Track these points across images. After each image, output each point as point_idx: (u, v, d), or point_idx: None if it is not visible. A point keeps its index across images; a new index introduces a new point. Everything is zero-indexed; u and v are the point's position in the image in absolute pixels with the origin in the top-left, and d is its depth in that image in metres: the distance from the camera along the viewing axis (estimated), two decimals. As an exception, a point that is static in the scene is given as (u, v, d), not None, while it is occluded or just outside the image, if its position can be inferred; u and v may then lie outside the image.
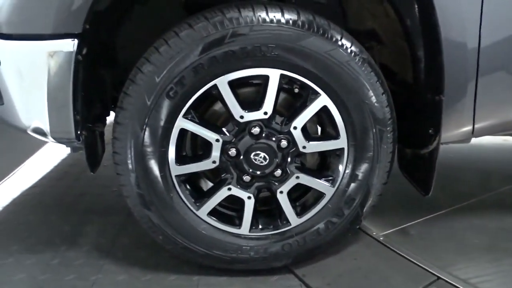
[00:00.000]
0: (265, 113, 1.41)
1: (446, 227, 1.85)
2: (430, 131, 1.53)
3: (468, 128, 1.54)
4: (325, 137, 1.51)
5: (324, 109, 1.43)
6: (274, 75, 1.37)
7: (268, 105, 1.40)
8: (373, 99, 1.43)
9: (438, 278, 1.52)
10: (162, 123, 1.37)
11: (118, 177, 1.42)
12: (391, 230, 1.81)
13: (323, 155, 1.57)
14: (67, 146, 1.48)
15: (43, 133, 1.38)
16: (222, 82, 1.36)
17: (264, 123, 1.43)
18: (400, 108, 1.55)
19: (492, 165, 2.54)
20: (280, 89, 1.41)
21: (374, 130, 1.45)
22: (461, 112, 1.51)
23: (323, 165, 1.57)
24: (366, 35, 1.73)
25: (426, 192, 1.60)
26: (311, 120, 1.47)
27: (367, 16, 1.71)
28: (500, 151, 2.76)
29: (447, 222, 1.89)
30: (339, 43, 1.37)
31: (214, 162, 1.44)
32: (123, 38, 1.71)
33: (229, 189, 1.48)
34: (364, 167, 1.49)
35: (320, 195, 1.52)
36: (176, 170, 1.44)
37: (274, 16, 1.33)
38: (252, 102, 1.43)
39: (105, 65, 1.68)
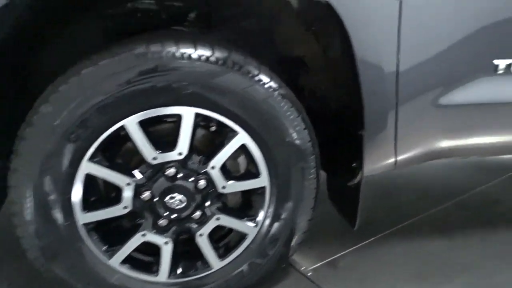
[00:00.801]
0: (180, 154, 1.32)
1: (376, 255, 1.83)
2: (354, 164, 1.50)
3: (391, 160, 1.52)
4: (245, 176, 1.44)
5: (244, 147, 1.36)
6: (188, 114, 1.28)
7: (183, 145, 1.31)
8: (294, 135, 1.37)
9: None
10: (64, 168, 1.25)
11: (16, 228, 1.28)
12: (320, 263, 1.76)
13: (245, 193, 1.49)
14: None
15: None
16: (131, 123, 1.26)
17: (180, 164, 1.34)
18: (332, 136, 1.52)
19: (428, 182, 2.55)
20: (196, 128, 1.32)
21: (296, 167, 1.40)
22: (382, 145, 1.49)
23: (246, 204, 1.50)
24: (296, 62, 1.69)
25: (353, 225, 1.57)
26: (232, 157, 1.39)
27: (295, 43, 1.67)
28: (440, 166, 2.79)
29: (378, 250, 1.87)
30: (256, 78, 1.31)
31: (125, 207, 1.33)
32: (38, 66, 1.56)
33: (144, 235, 1.37)
34: (287, 205, 1.43)
35: (243, 235, 1.45)
36: (84, 218, 1.31)
37: (186, 52, 1.24)
38: (166, 141, 1.34)
39: (16, 96, 1.53)
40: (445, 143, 1.56)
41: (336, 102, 1.61)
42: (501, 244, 1.91)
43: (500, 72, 1.44)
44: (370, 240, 1.92)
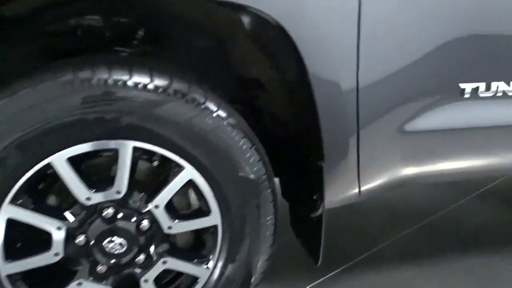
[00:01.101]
0: (118, 192, 1.17)
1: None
2: (314, 197, 1.38)
3: (354, 191, 1.41)
4: (195, 214, 1.29)
5: (192, 182, 1.22)
6: (125, 148, 1.14)
7: (121, 183, 1.16)
8: (248, 168, 1.25)
9: None
10: (-19, 213, 1.09)
11: None
12: (283, 300, 1.64)
13: (196, 232, 1.35)
14: None
15: None
16: (58, 160, 1.10)
17: (119, 203, 1.19)
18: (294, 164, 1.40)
19: (394, 204, 2.42)
20: (135, 163, 1.18)
21: (251, 203, 1.27)
22: (344, 174, 1.37)
23: (197, 244, 1.35)
24: (253, 83, 1.56)
25: (315, 261, 1.44)
26: (179, 194, 1.25)
27: (251, 64, 1.55)
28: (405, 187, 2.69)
29: (345, 281, 1.75)
30: (203, 107, 1.18)
31: (56, 254, 1.17)
32: None
33: (80, 284, 1.21)
34: (242, 244, 1.30)
35: (194, 279, 1.31)
36: (7, 268, 1.14)
37: (120, 79, 1.10)
38: (103, 178, 1.19)
39: None
40: (412, 170, 1.46)
41: (295, 128, 1.49)
42: (473, 268, 1.83)
43: (467, 96, 1.35)
44: (337, 271, 1.81)
